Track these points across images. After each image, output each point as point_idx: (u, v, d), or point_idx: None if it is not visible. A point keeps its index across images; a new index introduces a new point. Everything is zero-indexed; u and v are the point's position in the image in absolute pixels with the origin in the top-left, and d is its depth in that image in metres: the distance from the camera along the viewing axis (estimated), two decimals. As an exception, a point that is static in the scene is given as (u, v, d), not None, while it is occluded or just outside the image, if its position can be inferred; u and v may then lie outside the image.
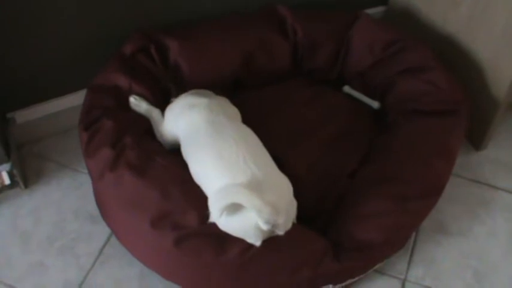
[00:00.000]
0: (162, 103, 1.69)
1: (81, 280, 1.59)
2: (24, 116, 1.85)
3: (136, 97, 1.68)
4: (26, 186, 1.80)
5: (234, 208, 1.33)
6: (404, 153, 1.62)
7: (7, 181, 1.71)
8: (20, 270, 1.61)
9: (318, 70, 1.93)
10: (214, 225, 1.39)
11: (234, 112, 1.62)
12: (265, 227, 1.32)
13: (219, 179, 1.38)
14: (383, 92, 1.84)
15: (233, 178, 1.37)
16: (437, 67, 1.77)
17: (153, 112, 1.67)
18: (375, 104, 1.85)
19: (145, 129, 1.62)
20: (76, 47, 1.79)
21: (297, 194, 1.44)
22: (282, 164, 1.50)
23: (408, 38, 1.86)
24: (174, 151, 1.57)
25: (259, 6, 1.93)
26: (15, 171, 1.72)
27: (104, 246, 1.66)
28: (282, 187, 1.42)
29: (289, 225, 1.40)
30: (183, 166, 1.50)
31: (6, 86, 1.78)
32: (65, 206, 1.75)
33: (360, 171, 1.65)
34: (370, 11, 2.18)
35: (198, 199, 1.42)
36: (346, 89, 1.91)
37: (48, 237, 1.68)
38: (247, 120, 1.60)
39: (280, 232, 1.38)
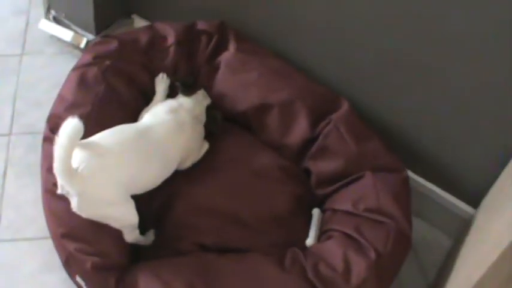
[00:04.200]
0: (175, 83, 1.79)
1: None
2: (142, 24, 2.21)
3: (166, 77, 1.79)
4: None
5: None
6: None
7: (82, 45, 2.14)
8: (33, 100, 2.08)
9: (314, 175, 1.73)
10: None
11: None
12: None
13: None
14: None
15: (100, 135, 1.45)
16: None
17: (159, 99, 1.75)
18: (311, 242, 1.61)
19: (131, 73, 1.77)
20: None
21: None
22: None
23: (398, 225, 1.53)
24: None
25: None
26: (93, 45, 2.13)
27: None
28: (108, 177, 1.39)
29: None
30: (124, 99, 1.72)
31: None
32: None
33: None
34: (460, 204, 1.82)
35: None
36: (315, 211, 1.69)
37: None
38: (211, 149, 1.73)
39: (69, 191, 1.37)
